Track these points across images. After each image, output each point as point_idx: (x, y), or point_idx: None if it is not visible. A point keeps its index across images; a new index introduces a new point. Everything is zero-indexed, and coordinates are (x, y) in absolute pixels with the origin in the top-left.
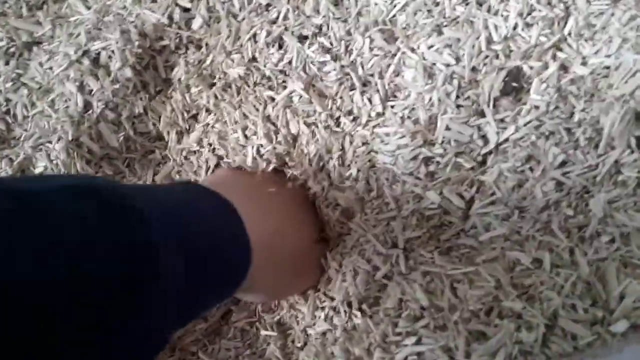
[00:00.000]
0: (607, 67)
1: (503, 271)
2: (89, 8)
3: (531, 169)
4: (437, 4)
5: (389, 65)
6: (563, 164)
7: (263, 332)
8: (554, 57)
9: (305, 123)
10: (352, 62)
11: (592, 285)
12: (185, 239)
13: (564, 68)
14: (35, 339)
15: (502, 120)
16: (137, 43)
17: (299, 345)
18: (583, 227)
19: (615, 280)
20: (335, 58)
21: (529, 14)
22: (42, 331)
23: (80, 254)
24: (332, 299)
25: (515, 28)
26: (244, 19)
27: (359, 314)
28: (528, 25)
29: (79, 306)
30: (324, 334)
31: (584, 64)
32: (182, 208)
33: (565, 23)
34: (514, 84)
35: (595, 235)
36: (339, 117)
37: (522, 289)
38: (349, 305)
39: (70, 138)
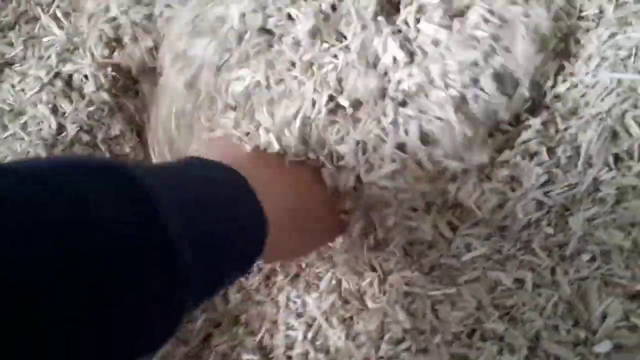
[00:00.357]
0: (586, 85)
1: (484, 292)
2: (61, 28)
3: (512, 189)
4: None
5: None
6: (544, 183)
7: (245, 356)
8: None
9: None
10: None
11: (574, 305)
12: (191, 209)
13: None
14: (19, 318)
15: None
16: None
17: None
18: (563, 245)
19: (596, 299)
20: None
21: None
22: (25, 310)
23: (65, 230)
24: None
25: None
26: None
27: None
28: None
29: (66, 283)
30: (305, 355)
31: (564, 81)
32: (185, 177)
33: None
34: None
35: (576, 254)
36: None
37: (503, 310)
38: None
39: None
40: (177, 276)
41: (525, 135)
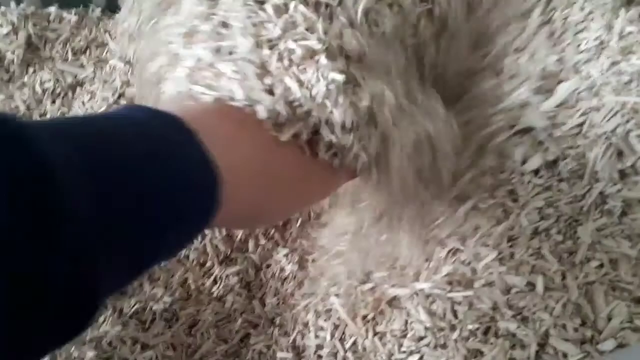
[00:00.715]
0: (591, 108)
1: (500, 294)
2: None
3: (514, 200)
4: None
5: None
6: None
7: (279, 355)
8: None
9: None
10: None
11: (582, 306)
12: (99, 158)
13: None
14: None
15: None
16: None
17: None
18: (573, 252)
19: (603, 302)
20: None
21: None
22: None
23: None
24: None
25: None
26: None
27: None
28: None
29: None
30: (334, 354)
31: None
32: (88, 123)
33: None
34: None
35: (585, 261)
36: None
37: (516, 310)
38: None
39: None
40: (81, 238)
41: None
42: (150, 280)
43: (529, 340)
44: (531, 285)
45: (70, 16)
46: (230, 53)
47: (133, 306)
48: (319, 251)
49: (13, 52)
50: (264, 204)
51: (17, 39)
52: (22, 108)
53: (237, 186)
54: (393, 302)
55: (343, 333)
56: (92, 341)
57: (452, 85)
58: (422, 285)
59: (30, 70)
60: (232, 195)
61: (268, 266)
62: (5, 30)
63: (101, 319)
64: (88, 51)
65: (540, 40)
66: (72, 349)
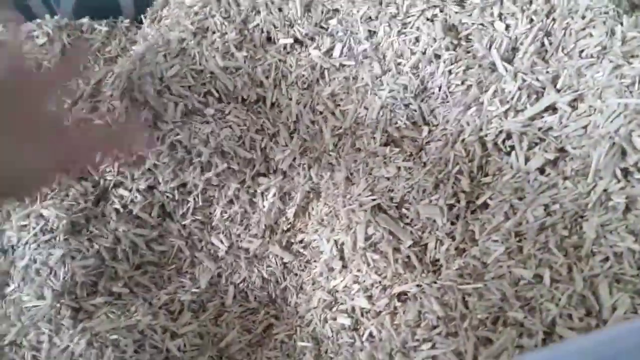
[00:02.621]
0: (595, 109)
1: (508, 286)
2: None
3: (520, 199)
4: None
5: None
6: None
7: (300, 344)
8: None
9: None
10: None
11: (587, 297)
12: None
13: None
14: None
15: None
16: None
17: (331, 355)
18: (578, 246)
19: (607, 294)
20: None
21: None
22: None
23: None
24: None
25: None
26: None
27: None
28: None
29: None
30: (351, 345)
31: (574, 108)
32: None
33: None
34: None
35: (590, 255)
36: None
37: (524, 301)
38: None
39: None
40: None
41: None
42: (179, 273)
43: (536, 329)
44: (538, 278)
45: (101, 27)
46: None
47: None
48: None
49: (49, 62)
50: None
51: (52, 48)
52: None
53: None
54: (408, 294)
55: (359, 324)
56: (125, 329)
57: None
58: (436, 278)
59: None
60: None
61: (291, 262)
62: (41, 40)
63: (133, 308)
64: (118, 60)
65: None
66: (109, 334)
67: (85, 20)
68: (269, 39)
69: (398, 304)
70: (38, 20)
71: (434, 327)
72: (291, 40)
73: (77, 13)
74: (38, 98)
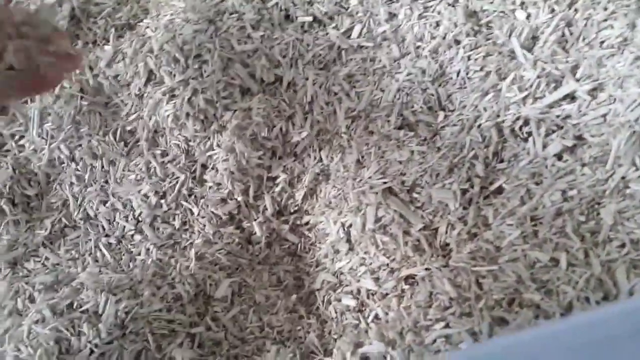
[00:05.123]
0: (615, 99)
1: (524, 268)
2: None
3: (537, 184)
4: None
5: None
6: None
7: (305, 321)
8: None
9: None
10: None
11: (604, 281)
12: None
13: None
14: None
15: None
16: None
17: (335, 336)
18: (595, 232)
19: (625, 278)
20: None
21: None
22: None
23: None
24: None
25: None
26: None
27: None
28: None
29: None
30: (355, 326)
31: (594, 97)
32: None
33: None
34: None
35: (607, 240)
36: None
37: (540, 283)
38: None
39: None
40: None
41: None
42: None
43: (553, 310)
44: (555, 261)
45: None
46: None
47: None
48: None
49: (57, 23)
50: None
51: (61, 10)
52: None
53: None
54: (415, 277)
55: (364, 305)
56: None
57: None
58: (445, 262)
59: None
60: None
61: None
62: (51, 0)
63: None
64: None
65: None
66: None
67: None
68: (287, 16)
69: (406, 286)
70: None
71: (447, 308)
72: (310, 19)
73: None
74: None
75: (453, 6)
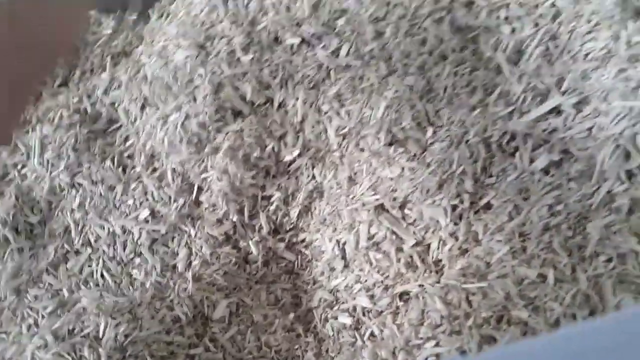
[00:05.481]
0: (600, 112)
1: (512, 285)
2: None
3: (525, 199)
4: None
5: None
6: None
7: (303, 339)
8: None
9: None
10: None
11: (591, 297)
12: None
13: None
14: None
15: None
16: None
17: (332, 355)
18: (582, 247)
19: (611, 294)
20: None
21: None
22: None
23: None
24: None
25: None
26: None
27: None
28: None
29: None
30: (352, 344)
31: (579, 110)
32: None
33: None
34: None
35: (594, 255)
36: None
37: (528, 300)
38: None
39: None
40: None
41: None
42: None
43: (540, 328)
44: (542, 277)
45: (109, 21)
46: None
47: None
48: None
49: None
50: None
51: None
52: None
53: None
54: (410, 294)
55: (360, 323)
56: None
57: None
58: (438, 278)
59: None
60: None
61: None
62: None
63: None
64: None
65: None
66: None
67: (92, 12)
68: (276, 39)
69: (400, 303)
70: None
71: (438, 326)
72: (298, 40)
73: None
74: None
75: (439, 22)
